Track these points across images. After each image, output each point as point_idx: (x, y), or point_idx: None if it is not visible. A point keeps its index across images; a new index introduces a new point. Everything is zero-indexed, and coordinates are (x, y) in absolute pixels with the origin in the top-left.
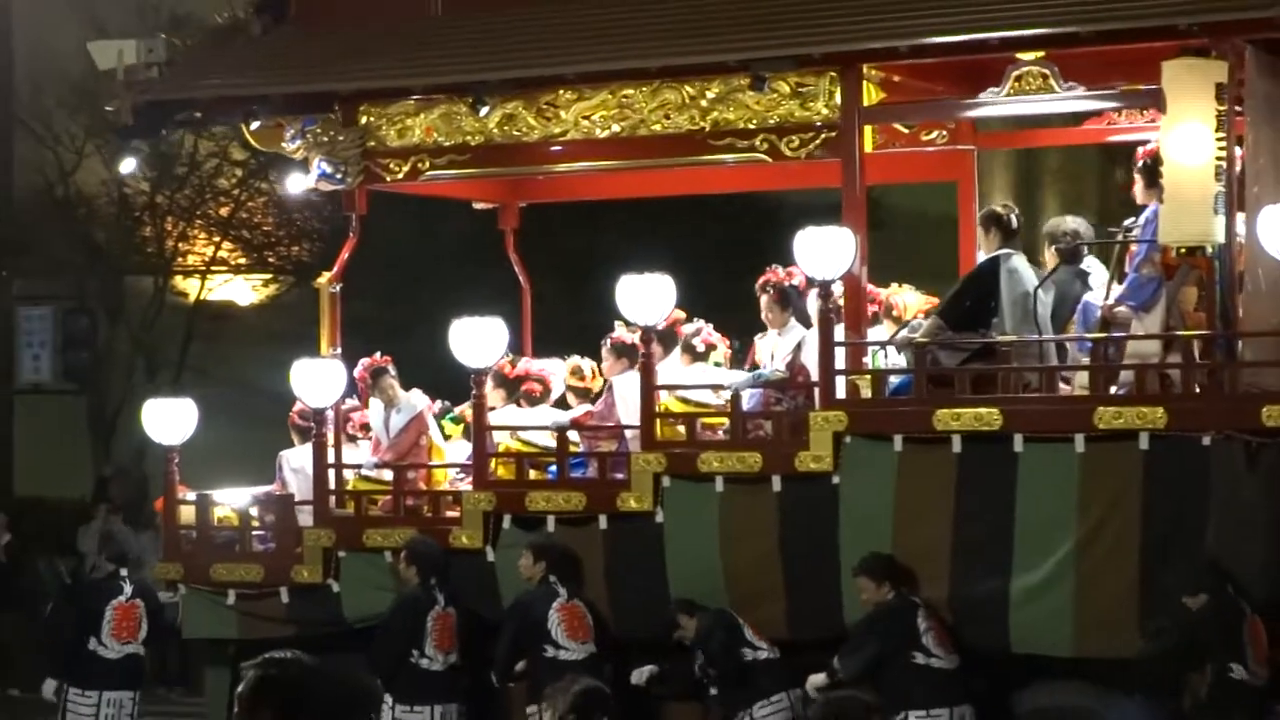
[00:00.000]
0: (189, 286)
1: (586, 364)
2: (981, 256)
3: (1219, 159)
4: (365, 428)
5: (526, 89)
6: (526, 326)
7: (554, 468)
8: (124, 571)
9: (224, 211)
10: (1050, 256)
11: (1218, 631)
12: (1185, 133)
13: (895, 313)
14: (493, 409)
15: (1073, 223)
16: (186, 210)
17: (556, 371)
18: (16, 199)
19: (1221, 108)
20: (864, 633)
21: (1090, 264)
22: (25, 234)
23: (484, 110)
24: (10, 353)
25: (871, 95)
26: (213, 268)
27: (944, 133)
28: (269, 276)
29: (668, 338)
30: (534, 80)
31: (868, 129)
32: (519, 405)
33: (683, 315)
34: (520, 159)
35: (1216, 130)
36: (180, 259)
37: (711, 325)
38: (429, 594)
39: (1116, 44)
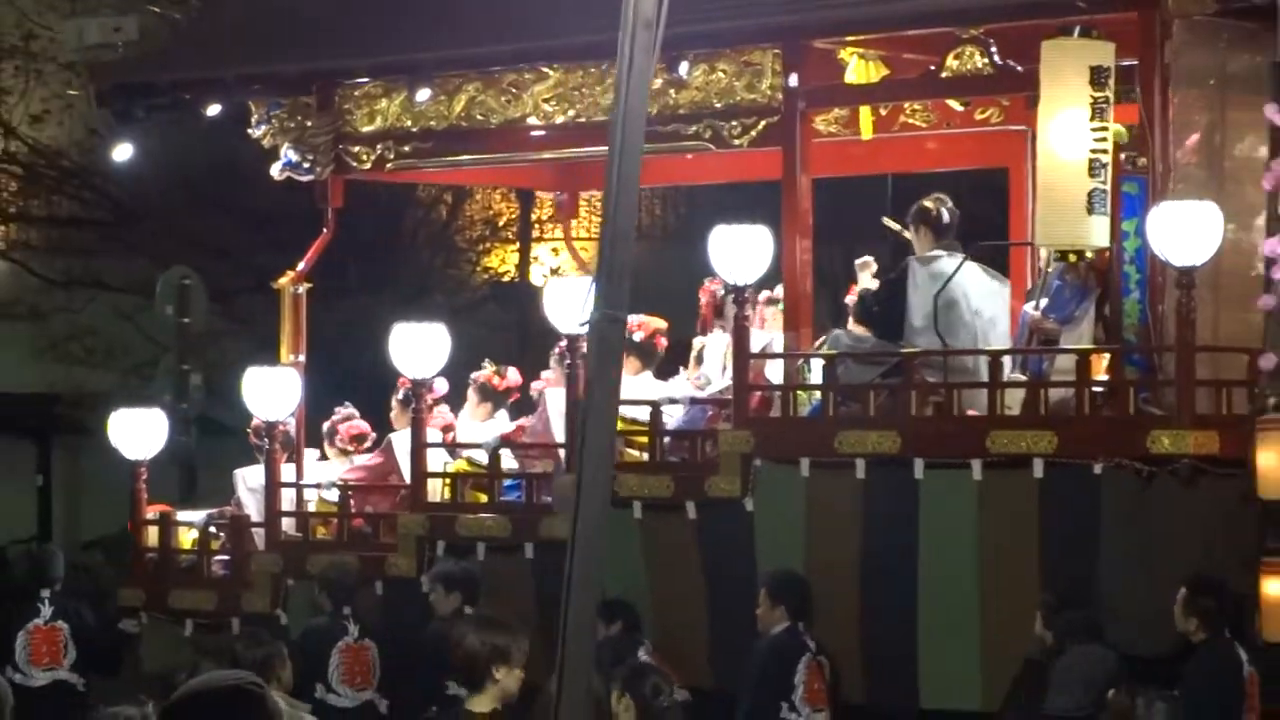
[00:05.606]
0: None
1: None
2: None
3: (1094, 152)
4: (357, 439)
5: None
6: None
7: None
8: (45, 593)
9: None
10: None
11: None
12: (1060, 122)
13: None
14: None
15: None
16: None
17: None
18: None
19: (1098, 94)
20: (747, 677)
21: None
22: None
23: (422, 95)
24: None
25: (871, 73)
26: None
27: (998, 110)
28: None
29: (646, 351)
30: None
31: (917, 108)
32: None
33: (663, 325)
34: (482, 146)
35: (1092, 120)
36: None
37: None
38: (338, 624)
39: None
